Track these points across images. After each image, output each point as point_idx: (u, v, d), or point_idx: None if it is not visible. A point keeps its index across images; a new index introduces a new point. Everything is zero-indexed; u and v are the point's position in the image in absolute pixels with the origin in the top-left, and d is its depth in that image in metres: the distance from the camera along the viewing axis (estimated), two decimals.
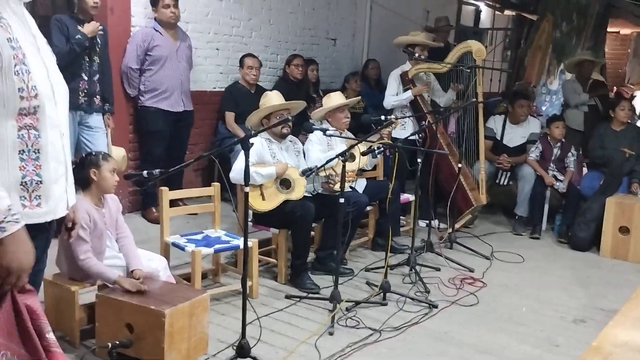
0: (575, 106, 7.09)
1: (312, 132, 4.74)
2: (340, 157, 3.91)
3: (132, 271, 3.31)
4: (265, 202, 4.39)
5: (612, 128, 6.30)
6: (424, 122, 5.78)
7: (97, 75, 4.73)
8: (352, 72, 7.57)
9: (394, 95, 6.04)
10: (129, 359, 3.06)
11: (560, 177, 6.16)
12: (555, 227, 6.19)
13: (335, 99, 4.99)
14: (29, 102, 2.26)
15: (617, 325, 2.83)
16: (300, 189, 4.48)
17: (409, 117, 5.88)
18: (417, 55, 5.94)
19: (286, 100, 4.65)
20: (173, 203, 4.27)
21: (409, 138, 5.31)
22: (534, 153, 6.22)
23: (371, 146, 4.37)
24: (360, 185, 5.11)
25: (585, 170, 6.58)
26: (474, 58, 5.78)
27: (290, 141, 4.75)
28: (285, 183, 4.45)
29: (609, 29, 9.93)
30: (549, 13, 8.77)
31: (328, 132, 4.60)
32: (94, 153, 3.48)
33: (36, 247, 2.69)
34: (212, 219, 4.36)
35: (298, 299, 4.17)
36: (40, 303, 2.11)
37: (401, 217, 5.75)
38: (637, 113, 7.10)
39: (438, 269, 4.90)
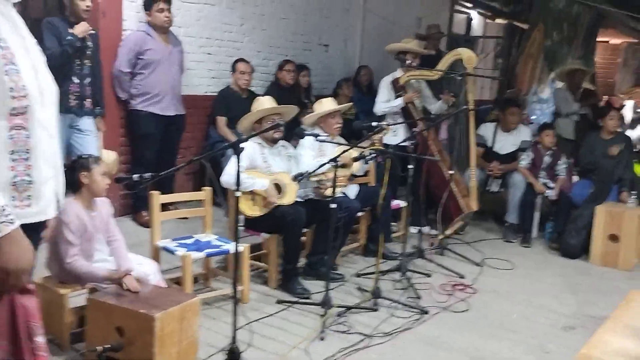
0: (567, 115, 7.13)
1: (303, 137, 4.74)
2: (331, 162, 3.91)
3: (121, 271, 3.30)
4: (257, 207, 4.38)
5: (602, 137, 6.34)
6: (415, 129, 5.79)
7: (88, 79, 4.71)
8: (344, 78, 7.57)
9: (385, 102, 6.05)
10: None
11: (551, 185, 6.18)
12: (546, 234, 6.22)
13: (326, 105, 4.99)
14: (19, 102, 2.25)
15: (606, 332, 2.84)
16: (291, 194, 4.48)
17: (400, 123, 5.89)
18: (408, 62, 5.95)
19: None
20: (164, 207, 4.25)
21: (401, 144, 5.32)
22: (524, 161, 6.25)
23: (363, 152, 4.38)
24: (352, 190, 5.12)
25: (575, 178, 6.61)
26: (465, 66, 5.80)
27: (283, 146, 4.74)
28: (276, 188, 4.45)
29: (599, 39, 10.00)
30: (540, 22, 8.82)
31: (319, 138, 4.59)
32: (84, 156, 3.47)
33: None
34: (203, 223, 4.35)
35: (289, 304, 4.16)
36: (37, 305, 2.09)
37: (392, 223, 5.76)
38: (627, 122, 7.15)
39: (429, 275, 4.91)
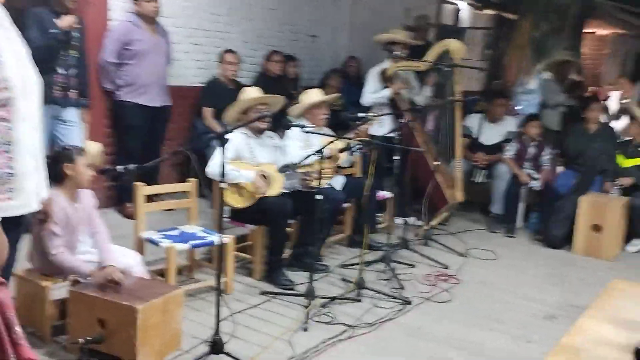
0: (554, 106, 7.15)
1: (289, 128, 4.74)
2: (317, 154, 3.92)
3: (104, 267, 3.29)
4: (242, 198, 4.38)
5: (587, 128, 6.37)
6: (402, 120, 5.80)
7: (74, 69, 4.69)
8: (332, 69, 7.57)
9: (373, 92, 6.06)
10: (101, 355, 3.04)
11: (536, 176, 6.22)
12: (530, 224, 6.26)
13: (313, 96, 4.99)
14: (1, 94, 2.25)
15: (587, 321, 2.88)
16: (277, 185, 4.48)
17: (386, 114, 5.90)
18: (397, 53, 5.95)
19: None
20: (149, 199, 4.25)
21: (387, 135, 5.33)
22: (509, 151, 6.28)
23: (349, 143, 4.39)
24: (339, 182, 5.13)
25: (560, 169, 6.65)
26: (452, 57, 5.81)
27: (269, 137, 4.74)
28: (262, 179, 4.45)
29: (586, 30, 10.01)
30: (528, 13, 8.82)
31: (306, 129, 4.60)
32: (68, 147, 3.46)
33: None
34: (188, 214, 4.35)
35: (273, 295, 4.18)
36: (10, 295, 2.09)
37: (378, 214, 5.78)
38: (612, 113, 7.18)
39: (413, 266, 4.94)
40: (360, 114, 4.92)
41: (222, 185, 3.25)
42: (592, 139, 6.28)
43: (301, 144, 4.87)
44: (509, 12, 9.29)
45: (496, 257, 5.40)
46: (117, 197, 5.53)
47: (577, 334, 2.73)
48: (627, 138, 6.28)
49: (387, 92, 5.96)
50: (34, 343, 3.22)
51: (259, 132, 4.60)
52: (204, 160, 5.06)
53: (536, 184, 6.16)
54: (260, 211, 4.37)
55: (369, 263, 4.76)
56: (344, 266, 4.84)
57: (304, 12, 7.68)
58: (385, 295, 4.25)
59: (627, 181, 5.88)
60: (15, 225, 2.72)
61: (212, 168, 4.22)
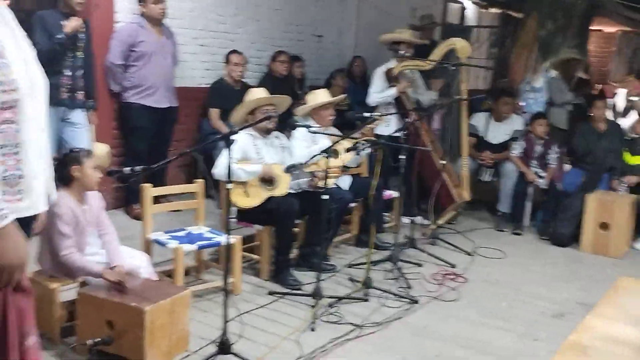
0: (561, 105, 7.13)
1: (295, 128, 4.75)
2: (324, 153, 3.93)
3: (113, 267, 3.31)
4: (249, 198, 4.40)
5: (594, 126, 6.36)
6: (408, 119, 5.80)
7: (80, 71, 4.71)
8: (338, 68, 7.58)
9: (378, 92, 6.06)
10: (109, 356, 3.06)
11: (543, 174, 6.20)
12: (537, 223, 6.24)
13: (320, 97, 4.99)
14: (9, 96, 2.26)
15: (594, 318, 2.87)
16: (284, 186, 4.49)
17: (392, 114, 5.90)
18: (402, 52, 5.95)
19: None
20: (156, 200, 4.26)
21: (393, 135, 5.33)
22: (516, 150, 6.27)
23: (356, 143, 4.39)
24: (345, 181, 5.14)
25: (568, 167, 6.63)
26: (458, 56, 5.80)
27: (276, 137, 4.75)
28: (269, 179, 4.46)
29: (593, 27, 9.99)
30: (534, 11, 8.80)
31: (312, 129, 4.61)
32: (76, 150, 3.47)
33: None
34: (196, 215, 4.37)
35: (281, 295, 4.18)
36: (32, 304, 2.08)
37: (385, 214, 5.78)
38: (619, 111, 7.16)
39: (420, 265, 4.94)
40: (366, 114, 4.91)
41: (229, 186, 3.26)
42: (599, 137, 6.27)
43: (308, 144, 4.88)
44: (515, 10, 9.26)
45: (503, 256, 5.39)
46: (125, 199, 5.56)
47: (585, 332, 2.72)
48: (634, 135, 6.26)
49: (392, 92, 5.96)
50: (43, 345, 3.25)
51: (266, 132, 4.60)
52: (211, 161, 5.09)
53: (542, 182, 6.14)
54: (267, 211, 4.39)
55: (376, 262, 4.76)
56: (351, 266, 4.84)
57: (309, 13, 7.69)
58: (393, 295, 4.25)
59: (633, 179, 5.85)
60: (24, 227, 2.74)
61: (219, 169, 4.23)
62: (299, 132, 4.84)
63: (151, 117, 5.36)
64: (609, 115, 6.66)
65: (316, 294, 3.90)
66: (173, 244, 3.91)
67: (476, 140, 6.47)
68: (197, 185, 4.32)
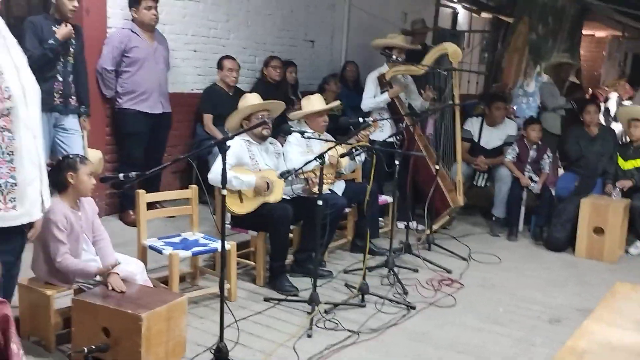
0: (553, 110, 7.16)
1: (290, 134, 4.73)
2: (318, 159, 3.92)
3: (109, 272, 3.28)
4: (244, 204, 4.38)
5: (586, 130, 6.39)
6: (401, 124, 5.80)
7: (72, 76, 4.68)
8: (330, 74, 7.57)
9: (372, 97, 6.06)
10: None
11: (536, 179, 6.21)
12: (532, 228, 6.25)
13: (315, 103, 4.98)
14: (2, 104, 2.24)
15: (591, 324, 2.87)
16: (278, 191, 4.48)
17: (386, 119, 5.90)
18: (394, 57, 5.96)
19: None
20: (150, 206, 4.23)
21: (387, 140, 5.32)
22: (510, 155, 6.27)
23: (350, 148, 4.38)
24: (339, 187, 5.12)
25: (561, 171, 6.65)
26: (451, 60, 5.81)
27: (271, 143, 4.74)
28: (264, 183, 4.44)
29: (584, 32, 10.04)
30: (525, 15, 8.84)
31: (306, 135, 4.59)
32: (71, 156, 3.45)
33: (10, 251, 2.65)
34: (190, 221, 4.34)
35: (276, 302, 4.16)
36: (11, 311, 2.07)
37: (379, 219, 5.77)
38: (612, 115, 7.20)
39: (416, 271, 4.93)
40: (360, 119, 4.91)
41: (223, 192, 3.25)
42: (592, 142, 6.29)
43: (302, 150, 4.87)
44: (506, 15, 9.31)
45: (499, 261, 5.39)
46: (119, 205, 5.52)
47: (583, 337, 2.72)
48: (627, 140, 6.28)
49: (385, 97, 5.96)
50: (38, 352, 3.23)
51: (261, 138, 4.59)
52: (205, 166, 5.07)
53: (535, 187, 6.14)
54: (262, 217, 4.37)
55: (371, 268, 4.76)
56: (346, 271, 4.83)
57: (301, 18, 7.69)
58: (389, 301, 4.24)
59: (626, 184, 5.86)
60: (18, 235, 2.72)
61: (214, 175, 4.21)
62: (294, 138, 4.83)
63: (146, 122, 5.33)
64: (601, 119, 6.68)
65: (312, 300, 3.89)
66: (168, 250, 3.88)
67: (470, 145, 6.48)
68: (192, 191, 4.30)
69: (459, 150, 5.94)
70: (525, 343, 3.82)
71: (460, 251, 5.49)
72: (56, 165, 3.32)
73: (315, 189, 4.28)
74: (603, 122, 6.68)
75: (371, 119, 4.99)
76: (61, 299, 3.35)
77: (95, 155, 4.73)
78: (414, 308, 4.18)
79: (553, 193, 6.18)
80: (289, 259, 4.69)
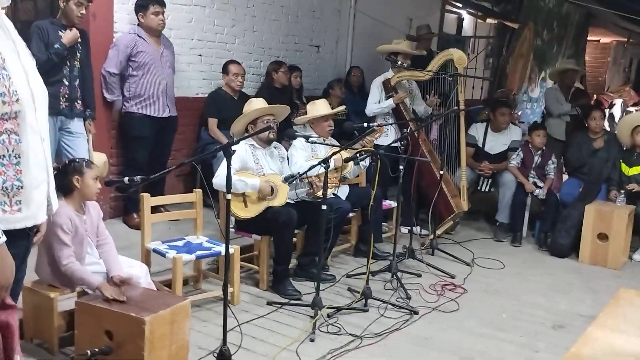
0: (558, 116, 7.15)
1: (294, 138, 4.75)
2: (322, 164, 3.93)
3: (112, 277, 3.29)
4: (248, 208, 4.39)
5: (590, 136, 6.38)
6: (406, 130, 5.81)
7: (78, 81, 4.70)
8: (335, 79, 7.59)
9: (376, 102, 6.07)
10: None
11: (541, 184, 6.20)
12: (536, 233, 6.24)
13: (321, 108, 4.98)
14: (10, 107, 2.25)
15: (595, 330, 2.86)
16: (283, 196, 4.49)
17: (391, 124, 5.91)
18: (399, 63, 5.97)
19: None
20: (155, 209, 4.25)
21: (391, 145, 5.32)
22: (515, 160, 6.27)
23: (355, 153, 4.39)
24: (343, 191, 5.13)
25: (565, 177, 6.64)
26: (456, 66, 5.82)
27: (275, 147, 4.75)
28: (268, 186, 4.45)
29: (589, 38, 10.05)
30: (530, 21, 8.85)
31: (311, 139, 4.61)
32: (77, 160, 3.46)
33: (15, 254, 2.66)
34: (194, 225, 4.35)
35: (279, 306, 4.17)
36: (18, 320, 2.08)
37: (383, 224, 5.77)
38: (616, 121, 7.18)
39: (419, 275, 4.93)
40: (365, 124, 4.92)
41: (228, 196, 3.25)
42: (596, 148, 6.27)
43: (307, 154, 4.88)
44: (511, 20, 9.32)
45: (502, 266, 5.38)
46: (124, 208, 5.53)
47: (587, 343, 2.71)
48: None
49: (390, 102, 5.97)
50: (42, 355, 3.24)
51: (267, 142, 4.60)
52: (210, 170, 5.08)
53: (540, 192, 6.13)
54: (266, 221, 4.38)
55: (375, 273, 4.76)
56: (350, 276, 4.83)
57: (307, 23, 7.71)
58: (392, 305, 4.24)
59: (635, 186, 5.83)
60: (24, 238, 2.72)
61: (219, 179, 4.22)
62: (299, 142, 4.84)
63: (152, 126, 5.35)
64: (606, 125, 6.67)
65: (315, 304, 3.89)
66: (172, 253, 3.89)
67: (474, 151, 6.48)
68: (196, 195, 4.31)
69: (463, 156, 5.94)
70: (529, 349, 3.82)
71: (463, 256, 5.48)
72: (62, 169, 3.33)
73: (320, 193, 4.29)
74: (608, 128, 6.66)
75: (376, 124, 5.00)
76: (64, 301, 3.37)
77: (100, 159, 4.75)
78: (417, 313, 4.17)
79: (557, 199, 6.17)
80: (293, 263, 4.70)
